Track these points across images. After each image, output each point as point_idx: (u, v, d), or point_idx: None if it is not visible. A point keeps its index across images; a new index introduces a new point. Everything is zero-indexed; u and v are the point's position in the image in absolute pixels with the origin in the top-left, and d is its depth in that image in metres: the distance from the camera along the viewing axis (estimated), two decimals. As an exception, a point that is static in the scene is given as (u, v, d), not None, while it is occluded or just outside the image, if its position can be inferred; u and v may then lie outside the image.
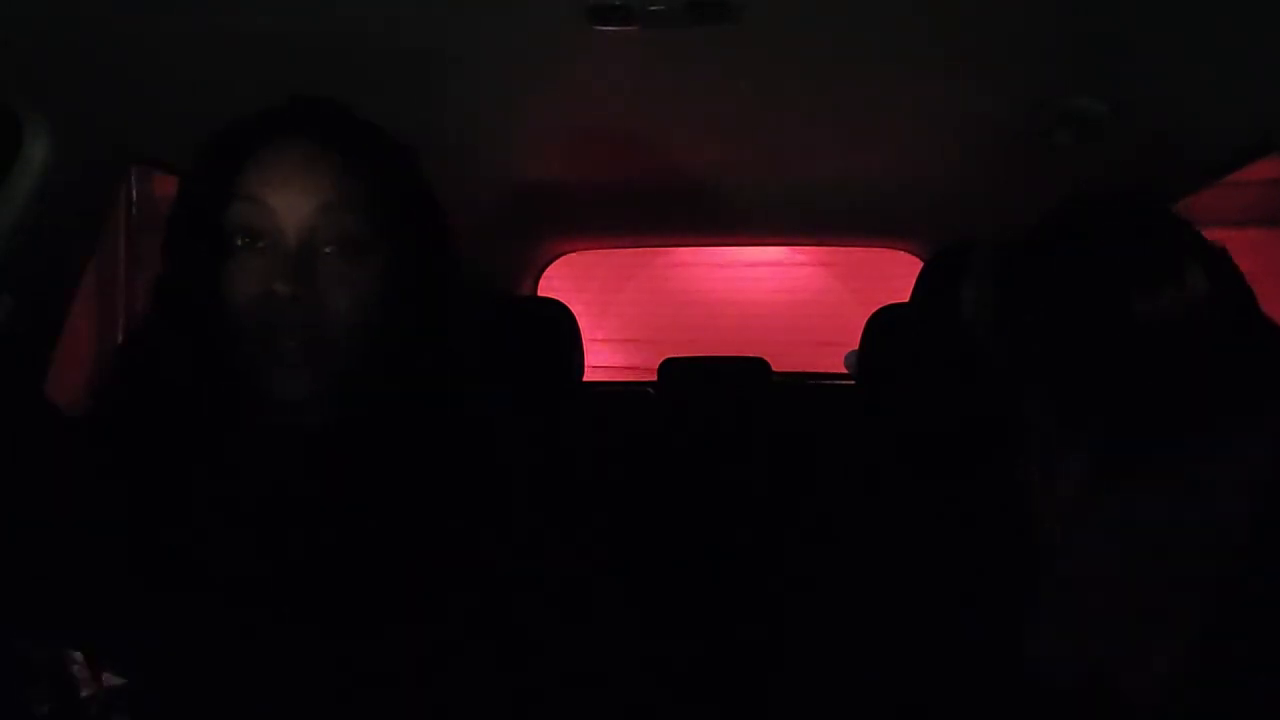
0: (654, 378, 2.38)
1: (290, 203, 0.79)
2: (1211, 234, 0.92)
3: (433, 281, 0.86)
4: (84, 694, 0.73)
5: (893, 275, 2.62)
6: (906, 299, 1.86)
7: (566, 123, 1.60)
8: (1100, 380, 0.87)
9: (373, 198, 0.82)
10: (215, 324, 0.79)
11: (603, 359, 5.08)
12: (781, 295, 6.05)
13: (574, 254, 2.76)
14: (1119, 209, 0.96)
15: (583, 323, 2.15)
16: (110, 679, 0.74)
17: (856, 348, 1.98)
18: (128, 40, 1.14)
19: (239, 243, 0.80)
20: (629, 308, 6.06)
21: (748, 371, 2.35)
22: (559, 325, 2.11)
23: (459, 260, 0.89)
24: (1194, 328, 0.85)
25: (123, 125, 1.30)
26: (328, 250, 0.80)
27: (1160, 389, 0.85)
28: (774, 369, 2.38)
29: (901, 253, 2.57)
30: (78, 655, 0.73)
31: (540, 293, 2.73)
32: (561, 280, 2.87)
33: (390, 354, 0.82)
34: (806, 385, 2.71)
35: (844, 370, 2.64)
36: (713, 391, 2.30)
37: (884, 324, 1.87)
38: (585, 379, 2.18)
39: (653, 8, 1.13)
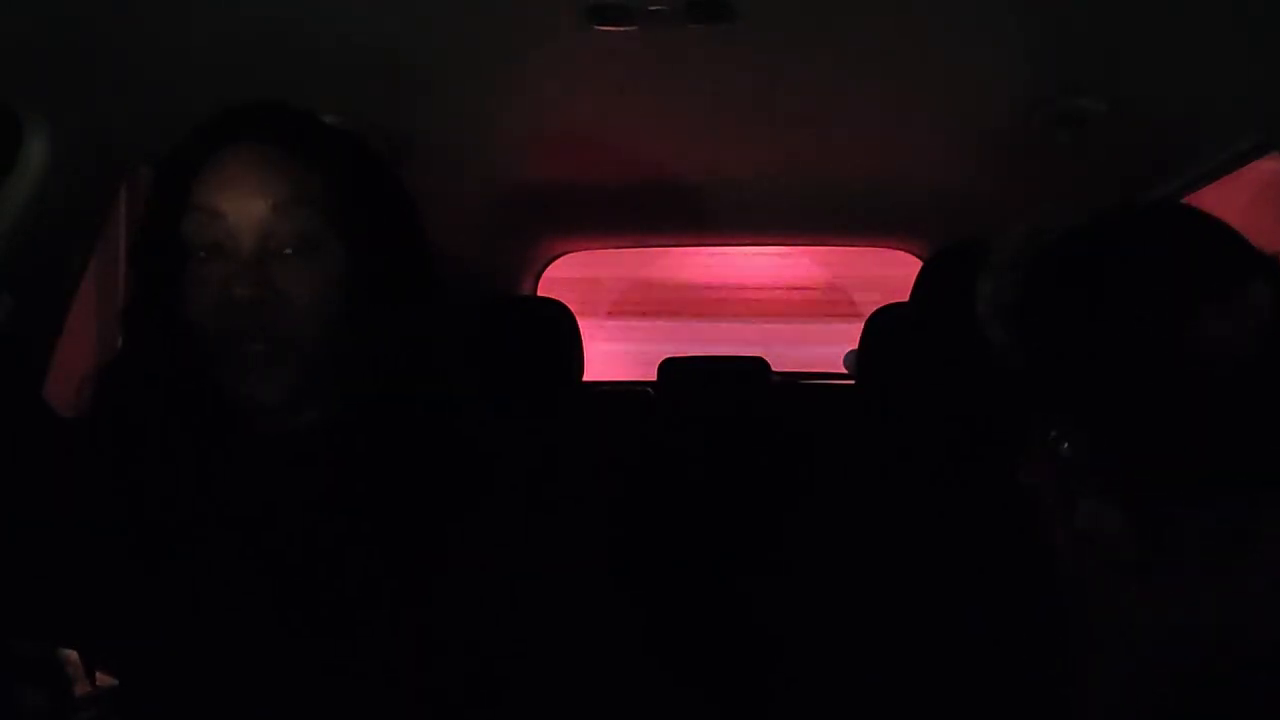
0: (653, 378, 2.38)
1: (242, 207, 0.79)
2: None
3: (399, 277, 0.84)
4: (77, 693, 0.73)
5: (893, 275, 2.62)
6: (906, 299, 1.86)
7: (566, 123, 1.60)
8: (1143, 421, 0.79)
9: (326, 194, 0.81)
10: (183, 338, 0.79)
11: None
12: (780, 294, 6.04)
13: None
14: (1165, 218, 0.88)
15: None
16: (103, 678, 0.74)
17: (856, 348, 1.98)
18: (127, 41, 1.14)
19: (200, 255, 0.79)
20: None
21: (747, 371, 2.35)
22: (559, 325, 2.11)
23: (430, 256, 0.87)
24: (1255, 363, 0.75)
25: (123, 125, 1.30)
26: (285, 251, 0.79)
27: (1215, 437, 0.77)
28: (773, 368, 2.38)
29: (901, 252, 2.57)
30: (72, 654, 0.73)
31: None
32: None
33: (360, 351, 0.82)
34: (806, 385, 2.71)
35: (844, 370, 2.64)
36: (712, 391, 2.30)
37: (884, 324, 1.87)
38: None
39: (652, 7, 1.13)
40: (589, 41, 1.21)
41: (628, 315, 5.06)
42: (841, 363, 2.65)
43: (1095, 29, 1.19)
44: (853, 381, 2.38)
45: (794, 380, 2.69)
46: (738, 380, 2.34)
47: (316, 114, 0.87)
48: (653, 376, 2.37)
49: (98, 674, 0.74)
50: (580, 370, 2.16)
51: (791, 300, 5.52)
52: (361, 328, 0.82)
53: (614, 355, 3.42)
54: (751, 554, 1.86)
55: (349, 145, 0.87)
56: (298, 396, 0.80)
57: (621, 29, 1.17)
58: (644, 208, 2.17)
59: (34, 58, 1.12)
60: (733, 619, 1.80)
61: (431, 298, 0.86)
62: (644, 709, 0.85)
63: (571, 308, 2.16)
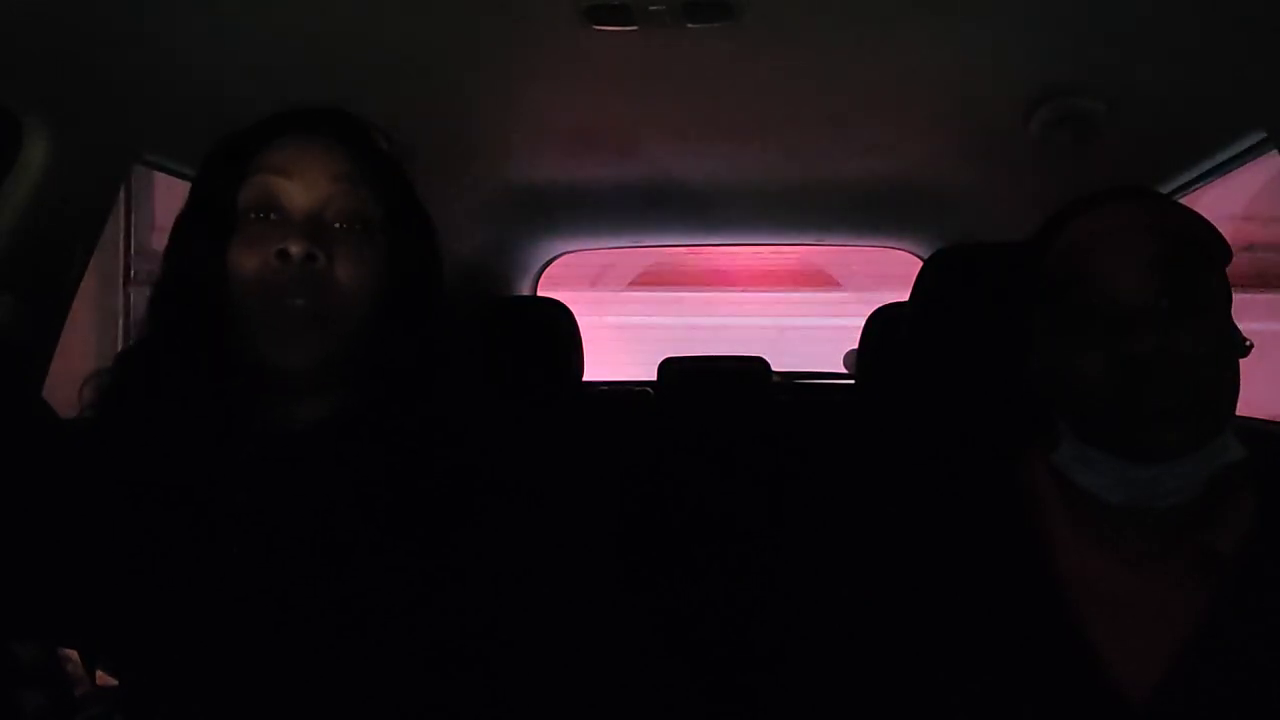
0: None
1: (303, 177, 0.82)
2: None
3: (431, 273, 0.89)
4: (78, 692, 0.73)
5: (892, 275, 2.63)
6: (906, 299, 1.86)
7: (566, 123, 1.61)
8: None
9: (379, 185, 0.86)
10: (225, 294, 0.80)
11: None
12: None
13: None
14: None
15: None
16: (104, 678, 0.74)
17: (856, 347, 1.98)
18: (127, 41, 1.14)
19: (252, 217, 0.82)
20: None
21: (747, 371, 2.35)
22: (559, 325, 2.11)
23: (443, 261, 0.92)
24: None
25: (123, 125, 1.30)
26: (338, 225, 0.82)
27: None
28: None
29: (901, 252, 2.57)
30: (72, 654, 0.73)
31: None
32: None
33: (383, 343, 0.83)
34: (806, 384, 2.71)
35: (844, 369, 2.64)
36: (712, 391, 2.30)
37: (884, 323, 1.87)
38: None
39: (651, 7, 1.13)
40: (589, 41, 1.21)
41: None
42: (842, 362, 2.65)
43: (1095, 29, 1.19)
44: (852, 381, 2.38)
45: (794, 379, 2.69)
46: (738, 380, 2.34)
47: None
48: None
49: (98, 673, 0.74)
50: (580, 370, 2.16)
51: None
52: (390, 320, 0.84)
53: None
54: (752, 554, 1.86)
55: (388, 150, 0.91)
56: (324, 370, 0.81)
57: (621, 29, 1.18)
58: (643, 208, 2.17)
59: (34, 59, 1.12)
60: (733, 619, 1.80)
61: (444, 300, 0.89)
62: (645, 707, 0.86)
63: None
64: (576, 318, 2.15)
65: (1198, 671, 0.79)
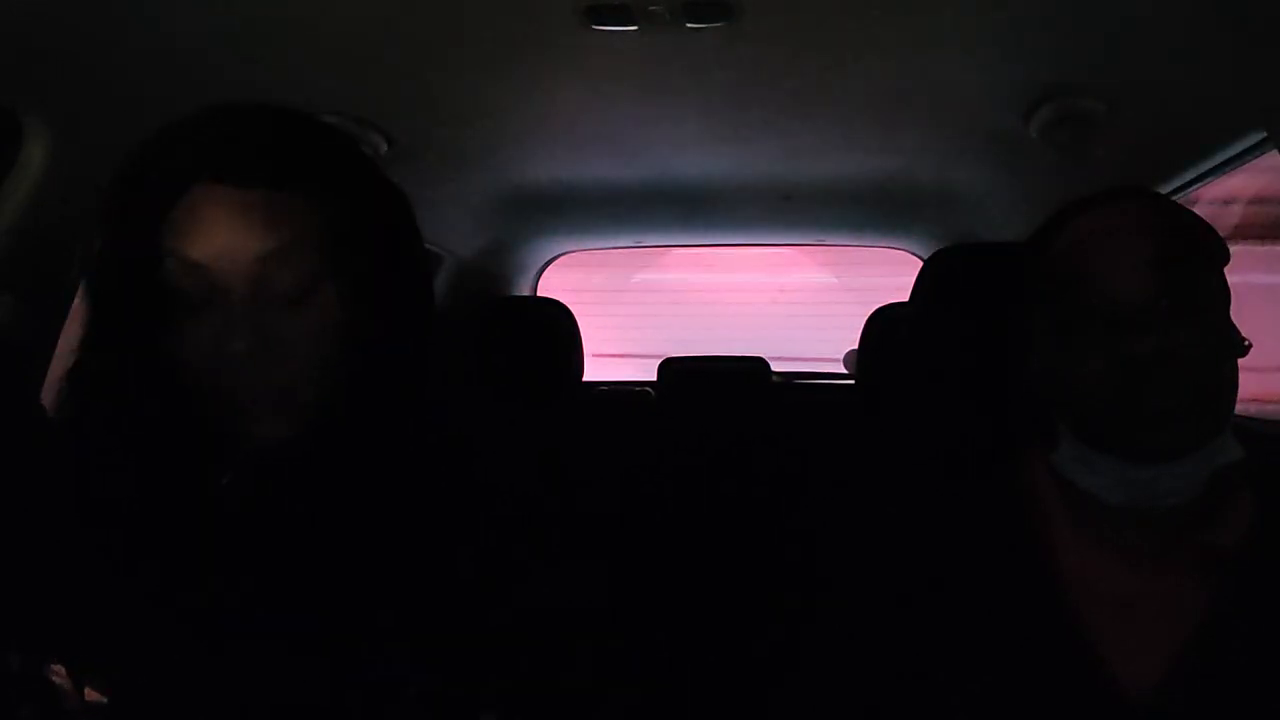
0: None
1: (227, 257, 0.71)
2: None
3: (399, 307, 0.79)
4: (66, 707, 0.72)
5: (892, 275, 2.63)
6: (906, 299, 1.86)
7: (566, 123, 1.61)
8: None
9: (319, 230, 0.74)
10: (172, 389, 0.74)
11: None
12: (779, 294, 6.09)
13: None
14: None
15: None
16: (93, 695, 0.73)
17: (856, 347, 1.98)
18: (127, 41, 1.14)
19: (182, 305, 0.73)
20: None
21: (747, 371, 2.35)
22: (559, 325, 2.11)
23: (429, 272, 0.84)
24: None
25: (123, 125, 1.29)
26: (278, 300, 0.73)
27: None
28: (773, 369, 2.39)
29: (901, 252, 2.58)
30: (60, 668, 0.72)
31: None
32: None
33: (358, 385, 0.78)
34: (806, 385, 2.71)
35: (843, 370, 2.64)
36: (713, 392, 2.30)
37: (884, 324, 1.87)
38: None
39: (651, 8, 1.13)
40: (589, 41, 1.21)
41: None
42: (842, 362, 2.65)
43: (1095, 28, 1.19)
44: (852, 381, 2.38)
45: (794, 380, 2.69)
46: (738, 380, 2.34)
47: (311, 118, 0.80)
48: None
49: (87, 690, 0.73)
50: (580, 370, 2.16)
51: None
52: (360, 364, 0.77)
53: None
54: (752, 554, 1.86)
55: (344, 165, 0.79)
56: (298, 434, 0.76)
57: (621, 29, 1.18)
58: (643, 208, 2.18)
59: (34, 59, 1.12)
60: (733, 619, 1.80)
61: (430, 321, 0.82)
62: (646, 709, 0.85)
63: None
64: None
65: (1198, 671, 0.79)
